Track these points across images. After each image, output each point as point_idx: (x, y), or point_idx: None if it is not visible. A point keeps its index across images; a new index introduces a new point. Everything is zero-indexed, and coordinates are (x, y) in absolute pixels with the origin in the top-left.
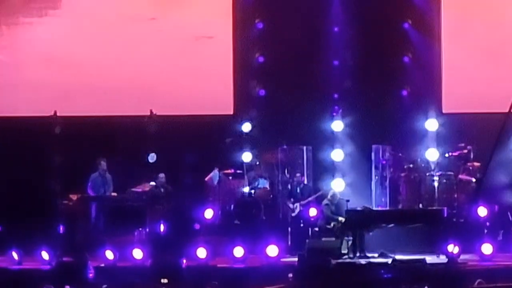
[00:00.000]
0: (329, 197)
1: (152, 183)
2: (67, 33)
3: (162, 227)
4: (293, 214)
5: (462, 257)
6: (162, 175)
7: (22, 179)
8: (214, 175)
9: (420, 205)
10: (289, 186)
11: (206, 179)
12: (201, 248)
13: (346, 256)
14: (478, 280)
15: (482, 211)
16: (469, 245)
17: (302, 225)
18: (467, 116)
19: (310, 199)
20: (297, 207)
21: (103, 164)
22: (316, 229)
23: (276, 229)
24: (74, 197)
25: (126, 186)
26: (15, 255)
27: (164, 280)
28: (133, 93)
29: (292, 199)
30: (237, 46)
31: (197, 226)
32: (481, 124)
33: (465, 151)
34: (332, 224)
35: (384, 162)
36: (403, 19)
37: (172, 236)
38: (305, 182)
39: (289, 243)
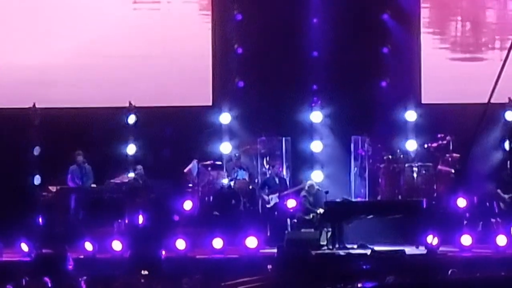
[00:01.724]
0: (306, 188)
1: (131, 174)
2: (46, 25)
3: (141, 219)
4: (268, 206)
5: (442, 248)
6: (140, 166)
7: (1, 171)
8: (193, 166)
9: (399, 196)
10: (266, 177)
11: (185, 170)
12: (180, 240)
13: (325, 248)
14: (451, 270)
15: (461, 202)
16: (448, 236)
17: (277, 215)
18: (446, 107)
19: (291, 190)
20: (273, 198)
21: (80, 155)
22: (295, 220)
23: (255, 220)
24: (53, 188)
25: (105, 177)
26: None
27: (145, 272)
28: (112, 85)
29: (267, 191)
30: (216, 37)
31: (176, 218)
32: (460, 115)
33: (444, 142)
34: (311, 216)
35: (363, 153)
36: (382, 10)
37: (151, 228)
38: (284, 173)
39: (268, 234)
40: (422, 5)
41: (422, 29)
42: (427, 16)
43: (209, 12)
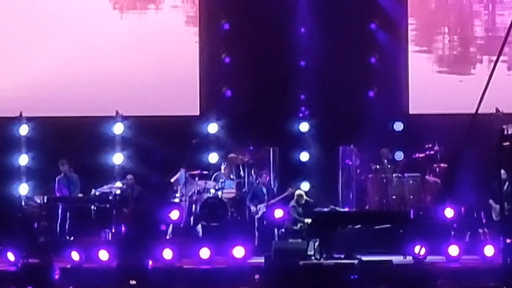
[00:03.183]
0: (295, 198)
1: (118, 184)
2: (33, 35)
3: (128, 228)
4: (256, 216)
5: (429, 258)
6: (130, 176)
7: None
8: (180, 176)
9: (387, 207)
10: (254, 187)
11: (172, 180)
12: (167, 249)
13: (312, 258)
14: (440, 281)
15: (449, 212)
16: (436, 246)
17: (266, 225)
18: (434, 117)
19: (277, 198)
20: (260, 209)
21: (65, 165)
22: (283, 230)
23: (242, 230)
24: (40, 198)
25: (92, 187)
26: None
27: (132, 282)
28: (99, 94)
29: (255, 201)
30: (203, 46)
31: (163, 227)
32: (448, 125)
33: (432, 152)
34: (299, 226)
35: (350, 163)
36: (370, 20)
37: (138, 237)
38: (272, 183)
39: (256, 244)
40: (409, 18)
41: (410, 41)
42: (414, 29)
43: (197, 22)
